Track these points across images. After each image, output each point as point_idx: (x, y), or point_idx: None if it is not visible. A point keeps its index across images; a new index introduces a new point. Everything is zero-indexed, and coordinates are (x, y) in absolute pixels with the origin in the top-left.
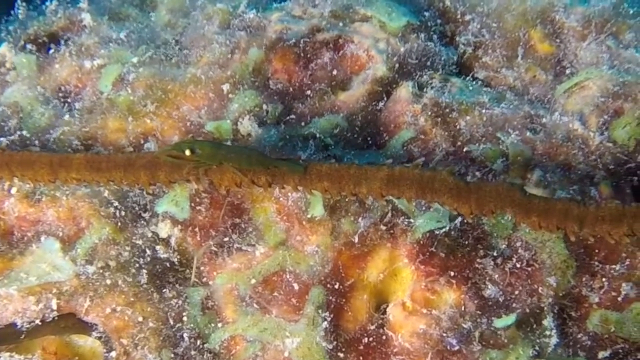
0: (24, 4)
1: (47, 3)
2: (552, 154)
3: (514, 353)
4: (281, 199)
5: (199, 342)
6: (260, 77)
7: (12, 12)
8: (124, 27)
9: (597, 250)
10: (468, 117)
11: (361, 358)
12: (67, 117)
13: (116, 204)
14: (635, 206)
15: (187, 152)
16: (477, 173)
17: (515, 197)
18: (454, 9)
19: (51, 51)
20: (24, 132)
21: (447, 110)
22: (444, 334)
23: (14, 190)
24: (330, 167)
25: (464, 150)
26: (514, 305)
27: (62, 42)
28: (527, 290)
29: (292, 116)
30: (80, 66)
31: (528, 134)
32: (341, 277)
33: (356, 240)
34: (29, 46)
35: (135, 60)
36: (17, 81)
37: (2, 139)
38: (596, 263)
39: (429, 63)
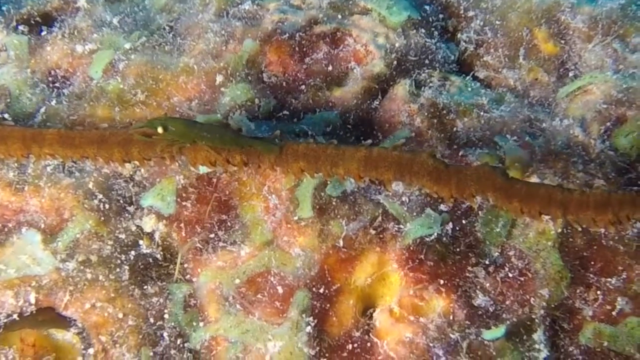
0: None
1: None
2: (550, 160)
3: None
4: (269, 197)
5: (179, 341)
6: (254, 69)
7: None
8: (119, 10)
9: (592, 262)
10: (466, 119)
11: None
12: (54, 102)
13: (101, 196)
14: (622, 193)
15: (160, 130)
16: None
17: (497, 181)
18: (457, 4)
19: (43, 33)
20: (6, 116)
21: (445, 111)
22: (431, 344)
23: None
24: (307, 147)
25: (460, 154)
26: (504, 315)
27: (56, 23)
28: (518, 300)
29: (285, 112)
30: (72, 50)
31: (527, 138)
32: (327, 280)
33: (341, 243)
34: (21, 27)
35: (127, 46)
36: (7, 63)
37: None
38: (591, 275)
39: (428, 61)
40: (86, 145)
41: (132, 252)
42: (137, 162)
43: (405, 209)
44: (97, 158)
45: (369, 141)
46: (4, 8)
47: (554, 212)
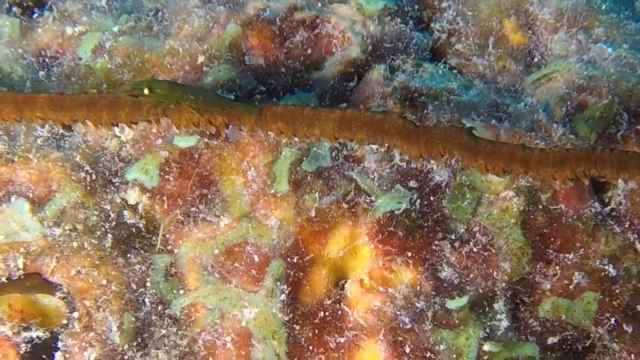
0: None
1: None
2: (515, 142)
3: (465, 334)
4: (248, 172)
5: (160, 307)
6: (236, 52)
7: None
8: None
9: (552, 239)
10: (436, 102)
11: (316, 331)
12: (45, 81)
13: (87, 168)
14: (578, 150)
15: (146, 91)
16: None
17: (463, 140)
18: None
19: (35, 15)
20: None
21: (416, 94)
22: (398, 312)
23: None
24: (285, 109)
25: None
26: (468, 287)
27: (47, 7)
28: (482, 274)
29: (262, 88)
30: (62, 32)
31: (493, 121)
32: (302, 251)
33: (313, 214)
34: (14, 9)
35: (116, 29)
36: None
37: None
38: (551, 251)
39: (402, 47)
40: (76, 108)
41: (117, 223)
42: (124, 125)
43: (377, 184)
44: (86, 121)
45: (344, 104)
46: None
47: (516, 169)
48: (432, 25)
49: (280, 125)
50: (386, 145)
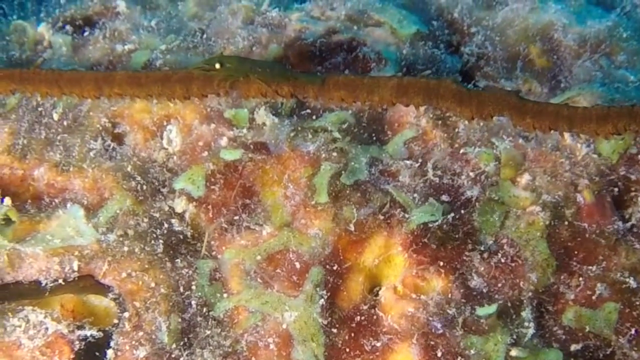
0: None
1: None
2: (541, 160)
3: (493, 339)
4: (289, 184)
5: (205, 309)
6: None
7: None
8: (154, 15)
9: (576, 252)
10: (466, 122)
11: (352, 334)
12: None
13: (138, 178)
14: (619, 107)
15: (217, 66)
16: (471, 174)
17: (512, 101)
18: (461, 21)
19: (86, 33)
20: (58, 109)
21: (448, 114)
22: (430, 318)
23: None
24: (346, 78)
25: (461, 152)
26: (496, 296)
27: (97, 26)
28: (509, 283)
29: (307, 110)
30: (112, 49)
31: (520, 141)
32: (339, 259)
33: (352, 227)
34: (66, 27)
35: (163, 47)
36: (53, 59)
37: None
38: (575, 263)
39: (434, 69)
40: (151, 84)
41: (165, 230)
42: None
43: (411, 198)
44: (160, 96)
45: (399, 74)
46: (49, 9)
47: (561, 126)
48: (461, 49)
49: (342, 93)
50: (440, 108)
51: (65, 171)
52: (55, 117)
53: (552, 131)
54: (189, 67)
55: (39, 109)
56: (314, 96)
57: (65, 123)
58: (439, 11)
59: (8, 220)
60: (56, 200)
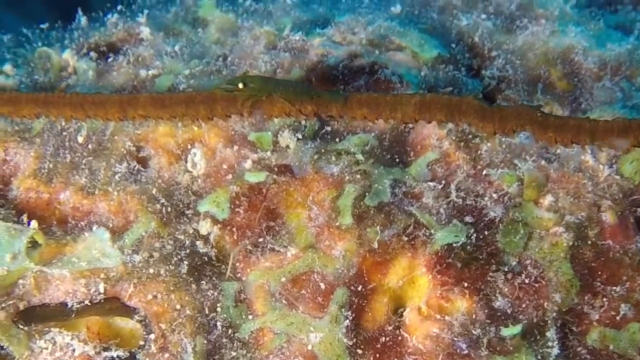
0: (84, 15)
1: (109, 16)
2: (564, 182)
3: None
4: (313, 206)
5: (230, 331)
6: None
7: (74, 21)
8: (177, 41)
9: (600, 273)
10: (489, 144)
11: (377, 356)
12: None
13: (163, 200)
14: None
15: (240, 86)
16: (494, 195)
17: (534, 116)
18: (481, 45)
19: (110, 59)
20: (83, 132)
21: (470, 136)
22: (455, 339)
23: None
24: (369, 96)
25: (484, 173)
26: (520, 316)
27: (121, 52)
28: (533, 304)
29: (327, 129)
30: (136, 74)
31: (543, 162)
32: (364, 280)
33: (376, 246)
34: (90, 54)
35: (187, 72)
36: (77, 85)
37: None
38: (598, 284)
39: (455, 92)
40: (175, 105)
41: (190, 252)
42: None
43: (435, 219)
44: (184, 117)
45: (422, 91)
46: (73, 35)
47: (583, 139)
48: (482, 72)
49: (364, 110)
50: (463, 123)
51: (91, 194)
52: (80, 140)
53: (574, 145)
54: (212, 88)
55: (64, 133)
56: (337, 114)
57: (90, 147)
58: (460, 35)
59: (35, 243)
60: (82, 223)
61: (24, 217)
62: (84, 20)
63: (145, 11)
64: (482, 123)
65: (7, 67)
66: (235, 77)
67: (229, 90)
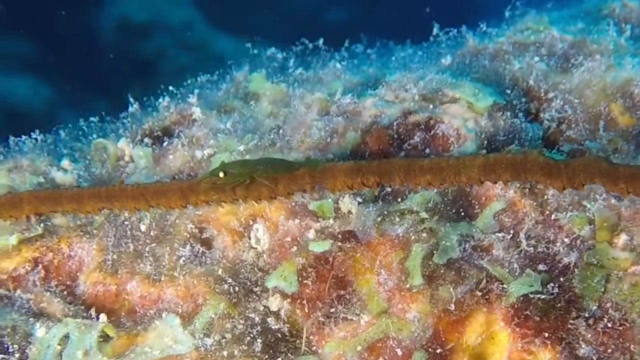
0: (136, 101)
1: (160, 99)
2: (637, 219)
3: None
4: (381, 271)
5: None
6: (358, 158)
7: (127, 109)
8: (229, 118)
9: None
10: None
11: None
12: None
13: (230, 280)
14: None
15: (221, 174)
16: (566, 240)
17: (603, 168)
18: (537, 88)
19: (165, 143)
20: (146, 221)
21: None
22: None
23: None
24: (431, 161)
25: (552, 218)
26: None
27: (175, 134)
28: (619, 348)
29: (388, 189)
30: (192, 156)
31: (613, 201)
32: (441, 341)
33: (453, 307)
34: (145, 139)
35: (242, 147)
36: (135, 172)
37: None
38: None
39: (516, 139)
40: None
41: (262, 329)
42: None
43: (508, 270)
44: (246, 198)
45: (484, 151)
46: (126, 123)
47: None
48: (541, 115)
49: (428, 177)
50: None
51: (157, 281)
52: (143, 228)
53: None
54: (196, 180)
55: (125, 222)
56: (400, 183)
57: (152, 233)
58: (514, 80)
59: (106, 337)
60: (151, 312)
61: (92, 311)
62: (135, 106)
63: (196, 91)
64: (550, 180)
65: (65, 162)
66: (215, 168)
67: (212, 182)
